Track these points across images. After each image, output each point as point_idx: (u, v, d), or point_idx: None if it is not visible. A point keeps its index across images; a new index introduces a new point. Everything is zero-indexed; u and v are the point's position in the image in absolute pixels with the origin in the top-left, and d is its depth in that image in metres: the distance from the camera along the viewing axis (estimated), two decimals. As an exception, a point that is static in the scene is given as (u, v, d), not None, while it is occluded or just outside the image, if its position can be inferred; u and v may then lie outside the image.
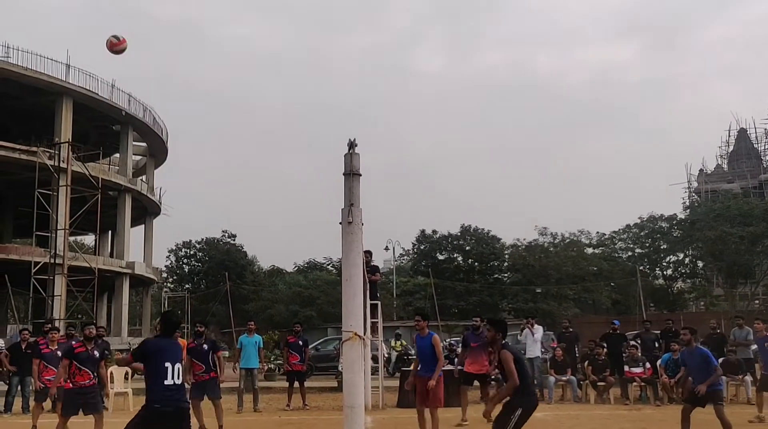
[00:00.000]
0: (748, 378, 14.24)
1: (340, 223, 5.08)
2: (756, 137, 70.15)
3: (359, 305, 5.02)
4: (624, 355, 15.99)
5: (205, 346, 11.56)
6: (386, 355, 21.34)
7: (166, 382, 5.91)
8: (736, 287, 50.08)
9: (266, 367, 19.23)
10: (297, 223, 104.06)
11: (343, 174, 5.17)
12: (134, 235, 43.69)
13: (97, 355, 9.84)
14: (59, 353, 11.95)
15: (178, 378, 6.01)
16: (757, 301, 52.32)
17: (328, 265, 53.90)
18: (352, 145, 5.15)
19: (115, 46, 9.42)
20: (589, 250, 53.89)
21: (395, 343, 24.21)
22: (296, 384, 15.01)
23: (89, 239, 49.72)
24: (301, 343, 15.53)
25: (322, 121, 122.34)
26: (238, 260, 50.96)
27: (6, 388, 14.66)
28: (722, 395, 9.24)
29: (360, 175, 5.17)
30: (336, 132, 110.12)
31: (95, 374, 9.53)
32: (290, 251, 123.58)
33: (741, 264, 46.44)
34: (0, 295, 38.47)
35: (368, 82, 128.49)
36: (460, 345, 14.26)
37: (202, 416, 10.86)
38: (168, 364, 5.97)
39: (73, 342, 11.95)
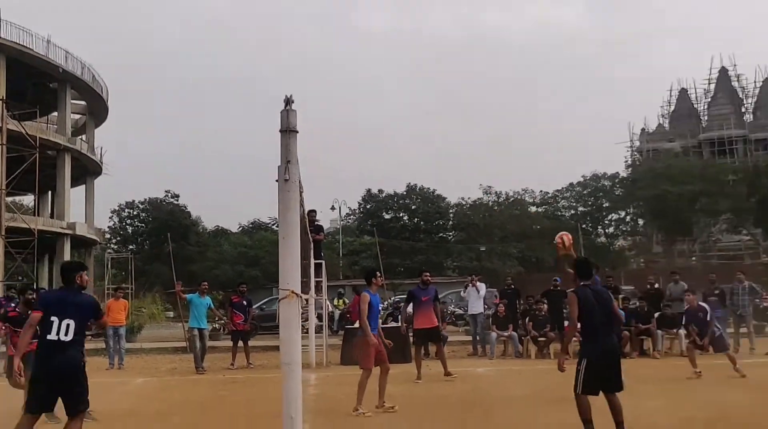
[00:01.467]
0: (682, 332, 14.73)
1: (277, 181, 5.01)
2: (696, 97, 71.86)
3: (296, 264, 4.99)
4: (565, 310, 16.37)
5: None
6: (330, 313, 21.49)
7: (48, 337, 5.77)
8: (674, 244, 51.71)
9: (211, 327, 19.15)
10: (242, 182, 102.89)
11: (280, 131, 5.08)
12: (75, 196, 42.55)
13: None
14: None
15: (65, 334, 5.79)
16: (694, 258, 54.18)
17: (273, 225, 53.66)
18: (288, 101, 5.07)
19: None
20: (533, 209, 54.89)
21: (338, 301, 24.36)
22: (240, 343, 15.01)
23: (28, 199, 48.34)
24: (245, 302, 15.55)
25: (267, 78, 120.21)
26: (181, 220, 50.31)
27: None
28: None
29: (297, 131, 5.10)
30: (280, 89, 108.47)
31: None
32: (235, 212, 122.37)
33: (680, 222, 47.91)
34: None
35: (311, 39, 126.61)
36: (405, 301, 14.37)
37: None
38: (54, 319, 5.79)
39: (11, 305, 11.99)
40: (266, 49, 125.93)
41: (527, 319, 16.01)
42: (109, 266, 45.08)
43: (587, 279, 6.78)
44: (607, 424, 6.57)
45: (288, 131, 5.01)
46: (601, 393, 6.59)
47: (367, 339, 8.65)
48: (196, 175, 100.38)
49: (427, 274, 12.90)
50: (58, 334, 5.77)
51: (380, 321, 9.91)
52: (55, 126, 40.36)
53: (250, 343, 15.90)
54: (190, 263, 44.76)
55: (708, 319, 11.72)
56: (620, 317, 7.61)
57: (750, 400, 9.11)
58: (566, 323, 15.55)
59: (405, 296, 15.01)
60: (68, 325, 5.80)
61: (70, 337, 5.79)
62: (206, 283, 15.51)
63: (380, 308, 9.59)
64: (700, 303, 12.20)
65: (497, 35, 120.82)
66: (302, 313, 11.01)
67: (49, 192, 43.54)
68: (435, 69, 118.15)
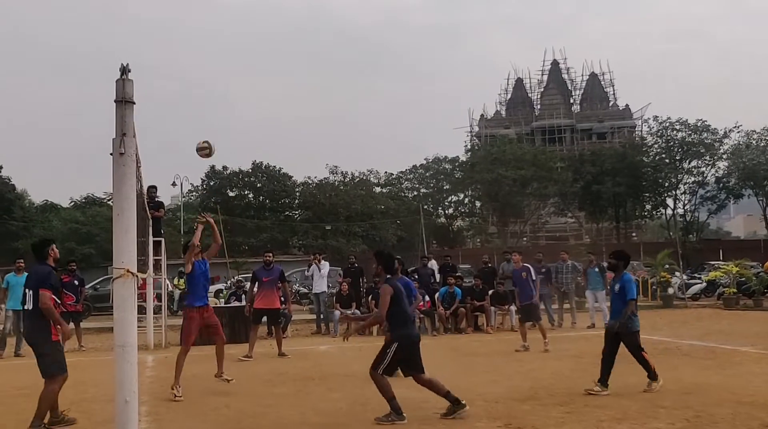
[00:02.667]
0: (513, 308, 15.60)
1: (111, 154, 4.74)
2: (530, 87, 75.94)
3: (132, 241, 4.75)
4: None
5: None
6: (170, 293, 20.81)
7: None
8: (507, 226, 54.56)
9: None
10: (75, 155, 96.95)
11: (115, 101, 4.79)
12: None
13: None
14: None
15: (28, 303, 6.56)
16: (525, 238, 57.47)
17: (109, 200, 50.98)
18: (124, 70, 4.79)
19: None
20: (378, 190, 55.85)
21: (179, 281, 23.66)
22: (72, 325, 14.18)
23: None
24: (76, 282, 14.72)
25: (101, 49, 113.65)
26: (4, 194, 46.58)
27: None
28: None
29: (133, 102, 4.83)
30: (116, 61, 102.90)
31: None
32: (65, 185, 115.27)
33: (513, 204, 50.55)
34: None
35: (148, 10, 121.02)
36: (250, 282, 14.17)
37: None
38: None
39: None
40: (102, 15, 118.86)
41: (370, 297, 16.29)
42: None
43: (393, 273, 7.32)
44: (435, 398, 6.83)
45: (123, 102, 4.75)
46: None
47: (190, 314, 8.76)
48: (23, 147, 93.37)
49: (269, 254, 12.80)
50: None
51: (221, 300, 9.72)
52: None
53: (83, 324, 15.10)
54: (14, 239, 41.64)
55: (530, 279, 12.41)
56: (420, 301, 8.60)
57: (570, 369, 9.81)
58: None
59: (249, 275, 14.86)
60: (29, 296, 6.57)
61: (30, 307, 6.55)
62: (22, 260, 14.46)
63: (208, 279, 9.36)
64: (525, 264, 12.88)
65: (342, 17, 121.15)
66: (140, 293, 10.57)
67: None
68: (285, 47, 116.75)
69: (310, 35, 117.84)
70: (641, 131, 63.33)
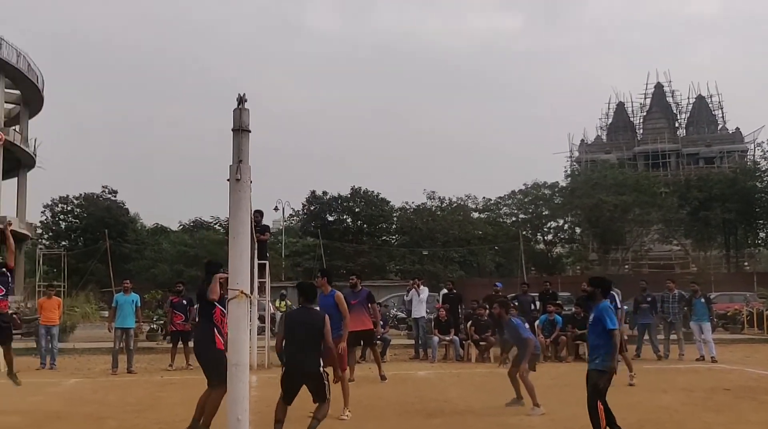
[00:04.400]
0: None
1: (228, 180, 4.95)
2: (632, 111, 73.91)
3: (246, 263, 4.94)
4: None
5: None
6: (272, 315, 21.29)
7: None
8: (608, 252, 53.02)
9: (145, 328, 18.80)
10: (183, 180, 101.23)
11: (232, 130, 5.02)
12: (6, 189, 41.17)
13: None
14: None
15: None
16: (627, 266, 55.65)
17: (215, 224, 52.88)
18: (241, 100, 5.01)
19: None
20: (475, 215, 55.48)
21: (280, 303, 24.19)
22: (180, 344, 14.75)
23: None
24: (185, 302, 15.27)
25: (210, 76, 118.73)
26: (119, 217, 49.11)
27: None
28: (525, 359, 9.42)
29: (249, 131, 5.04)
30: (223, 88, 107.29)
31: None
32: (175, 210, 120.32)
33: (614, 231, 49.12)
34: None
35: (257, 39, 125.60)
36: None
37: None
38: None
39: None
40: (211, 42, 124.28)
41: (469, 324, 16.20)
42: (41, 263, 43.75)
43: (310, 302, 7.28)
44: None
45: (240, 130, 4.97)
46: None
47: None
48: (136, 172, 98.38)
49: (353, 277, 12.78)
50: None
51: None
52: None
53: (190, 343, 15.63)
54: (127, 261, 43.74)
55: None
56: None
57: (680, 402, 9.41)
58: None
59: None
60: None
61: None
62: (128, 280, 15.17)
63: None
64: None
65: (438, 42, 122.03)
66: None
67: (-21, 184, 41.99)
68: (378, 71, 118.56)
69: (403, 59, 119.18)
70: (754, 155, 60.53)
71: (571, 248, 58.40)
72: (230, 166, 4.94)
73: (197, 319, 6.99)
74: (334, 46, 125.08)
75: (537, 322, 16.16)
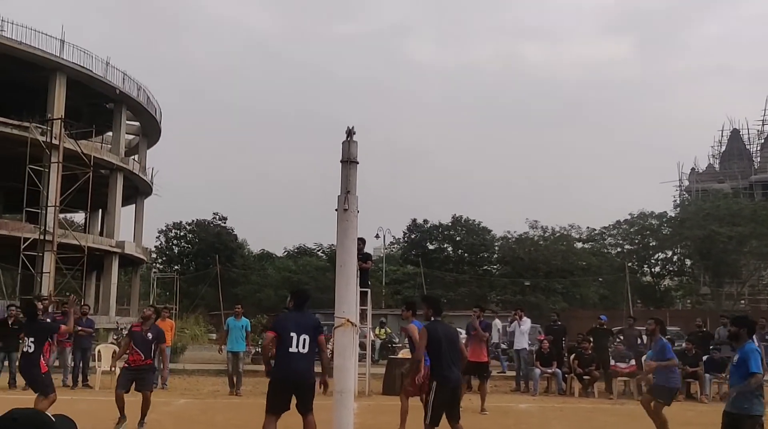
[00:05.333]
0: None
1: (336, 210, 5.09)
2: (748, 138, 70.53)
3: (352, 292, 5.05)
4: (610, 349, 16.13)
5: None
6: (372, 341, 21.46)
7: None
8: (722, 286, 50.48)
9: (253, 351, 19.31)
10: (288, 208, 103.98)
11: (341, 161, 5.17)
12: (125, 215, 43.50)
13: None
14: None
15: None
16: (743, 301, 52.77)
17: (318, 250, 53.95)
18: (350, 132, 5.15)
19: None
20: (579, 245, 54.18)
21: (379, 330, 24.35)
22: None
23: (79, 217, 49.53)
24: (289, 328, 15.57)
25: (315, 109, 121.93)
26: (228, 243, 50.91)
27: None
28: (668, 393, 9.08)
29: (357, 162, 5.18)
30: (326, 118, 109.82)
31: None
32: (280, 236, 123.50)
33: (728, 263, 46.80)
34: (-12, 270, 38.37)
35: (361, 69, 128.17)
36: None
37: None
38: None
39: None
40: (316, 76, 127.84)
41: (573, 357, 15.79)
42: (155, 286, 45.78)
43: (438, 315, 6.94)
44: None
45: (348, 162, 5.11)
46: None
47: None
48: (244, 199, 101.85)
49: (476, 309, 13.09)
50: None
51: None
52: (109, 146, 41.42)
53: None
54: (234, 286, 45.18)
55: None
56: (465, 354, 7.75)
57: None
58: (612, 362, 15.37)
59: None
60: None
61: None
62: (240, 306, 15.61)
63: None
64: None
65: (540, 73, 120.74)
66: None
67: (100, 210, 44.55)
68: (479, 102, 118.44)
69: (505, 88, 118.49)
70: None
71: (681, 281, 56.00)
72: (338, 196, 5.08)
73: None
74: (433, 77, 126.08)
75: (644, 358, 15.56)
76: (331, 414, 4.93)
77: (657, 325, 9.55)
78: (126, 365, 9.64)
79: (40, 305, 15.93)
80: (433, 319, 6.77)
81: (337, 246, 5.08)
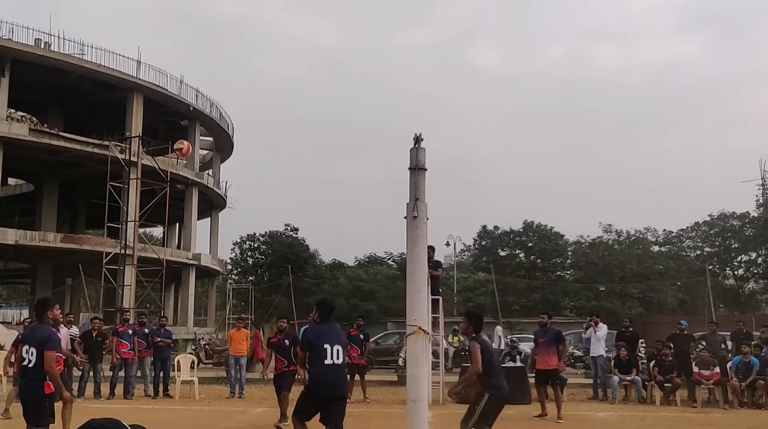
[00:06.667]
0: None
1: (405, 218, 5.08)
2: (836, 133, 67.25)
3: (423, 300, 5.02)
4: (692, 356, 15.60)
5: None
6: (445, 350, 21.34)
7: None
8: (811, 289, 48.20)
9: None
10: (357, 217, 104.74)
11: (409, 168, 5.16)
12: (200, 228, 44.64)
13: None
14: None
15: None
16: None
17: (389, 259, 54.05)
18: (418, 139, 5.15)
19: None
20: (656, 249, 52.65)
21: (452, 338, 24.17)
22: (356, 377, 15.11)
23: (158, 231, 51.06)
24: (362, 336, 15.61)
25: (382, 117, 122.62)
26: (300, 253, 51.55)
27: (80, 373, 15.17)
28: None
29: (425, 169, 5.16)
30: (394, 128, 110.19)
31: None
32: (351, 246, 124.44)
33: (817, 265, 44.68)
34: (73, 284, 39.91)
35: (428, 77, 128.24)
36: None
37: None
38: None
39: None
40: (384, 86, 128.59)
41: (653, 364, 15.33)
42: (231, 296, 46.72)
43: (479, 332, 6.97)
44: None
45: (417, 169, 5.10)
46: None
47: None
48: (315, 209, 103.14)
49: (544, 316, 12.89)
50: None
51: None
52: (185, 161, 42.65)
53: (366, 377, 15.98)
54: (307, 295, 45.71)
55: None
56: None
57: None
58: (695, 369, 14.84)
59: (520, 335, 15.03)
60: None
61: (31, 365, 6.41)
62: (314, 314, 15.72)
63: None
64: None
65: (612, 75, 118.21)
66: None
67: (177, 224, 45.82)
68: (549, 105, 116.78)
69: (576, 91, 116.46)
70: None
71: (766, 284, 53.73)
72: (407, 203, 5.07)
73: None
74: (502, 82, 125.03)
75: (729, 365, 14.98)
76: (406, 423, 4.90)
77: None
78: (275, 372, 11.25)
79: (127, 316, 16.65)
80: (474, 335, 6.89)
81: (407, 254, 5.07)
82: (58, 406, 8.74)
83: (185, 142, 35.51)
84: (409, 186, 5.09)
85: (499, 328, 19.95)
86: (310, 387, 6.74)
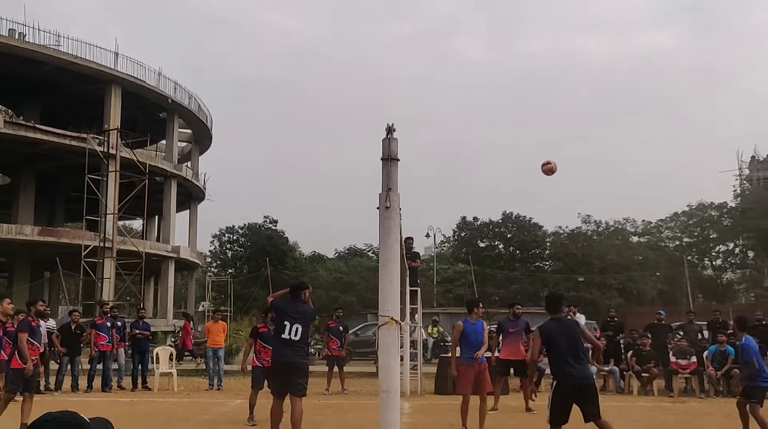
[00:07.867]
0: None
1: (378, 209, 5.06)
2: (811, 124, 68.08)
3: (396, 291, 5.01)
4: (670, 346, 15.73)
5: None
6: (424, 341, 21.39)
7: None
8: (787, 279, 48.87)
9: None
10: (337, 209, 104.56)
11: (381, 159, 5.14)
12: (179, 220, 44.37)
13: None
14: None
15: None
16: (809, 293, 51.00)
17: (369, 251, 54.04)
18: (390, 130, 5.13)
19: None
20: (635, 239, 53.08)
21: (432, 329, 24.25)
22: (336, 369, 15.11)
23: (137, 224, 50.65)
24: (341, 328, 15.64)
25: (364, 108, 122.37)
26: (279, 246, 51.37)
27: (57, 367, 15.04)
28: (760, 393, 8.79)
29: (398, 160, 5.13)
30: (375, 119, 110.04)
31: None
32: (331, 238, 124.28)
33: (793, 255, 45.29)
34: (51, 277, 39.54)
35: (406, 68, 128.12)
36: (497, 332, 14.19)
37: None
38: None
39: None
40: (365, 74, 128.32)
41: (630, 354, 15.44)
42: (210, 289, 46.53)
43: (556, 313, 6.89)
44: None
45: (389, 159, 5.07)
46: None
47: (455, 366, 8.98)
48: (294, 201, 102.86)
49: (519, 306, 12.85)
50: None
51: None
52: (163, 153, 42.32)
53: (345, 368, 15.98)
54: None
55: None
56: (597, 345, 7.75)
57: None
58: (672, 359, 14.96)
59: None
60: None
61: None
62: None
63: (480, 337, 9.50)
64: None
65: (591, 63, 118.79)
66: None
67: (156, 216, 45.53)
68: (530, 97, 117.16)
69: (557, 82, 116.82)
70: None
71: (744, 274, 54.37)
72: (380, 194, 5.05)
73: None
74: (481, 73, 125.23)
75: (706, 354, 15.14)
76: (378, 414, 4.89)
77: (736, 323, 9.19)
78: (259, 364, 10.26)
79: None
80: (550, 318, 6.83)
81: (379, 244, 5.06)
82: (18, 399, 8.80)
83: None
84: (382, 176, 5.07)
85: (580, 317, 19.78)
86: (270, 361, 7.26)
